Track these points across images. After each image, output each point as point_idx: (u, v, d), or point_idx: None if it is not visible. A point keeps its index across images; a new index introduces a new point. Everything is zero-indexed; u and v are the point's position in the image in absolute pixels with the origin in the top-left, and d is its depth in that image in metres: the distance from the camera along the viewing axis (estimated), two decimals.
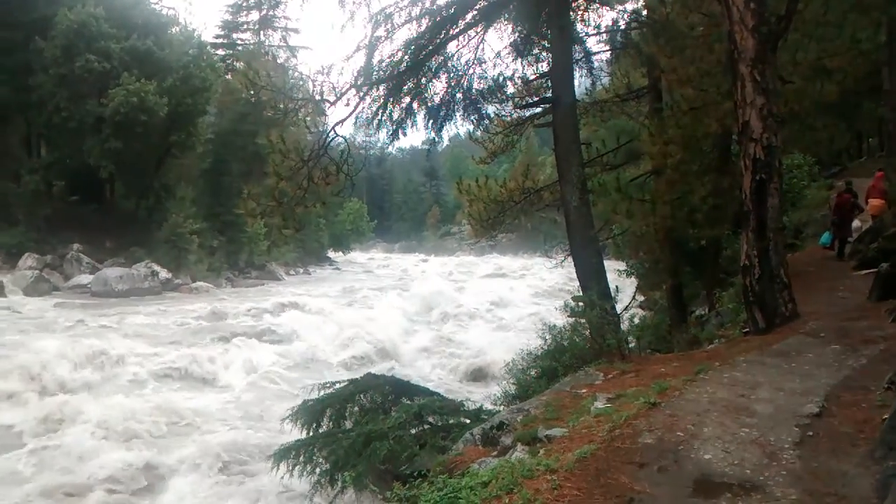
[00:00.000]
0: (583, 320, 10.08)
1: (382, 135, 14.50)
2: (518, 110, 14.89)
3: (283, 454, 9.38)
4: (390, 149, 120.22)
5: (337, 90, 12.12)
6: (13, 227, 38.85)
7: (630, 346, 9.90)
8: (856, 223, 15.39)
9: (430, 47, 13.20)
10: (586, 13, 14.08)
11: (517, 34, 13.93)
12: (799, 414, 5.33)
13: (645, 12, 14.42)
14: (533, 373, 10.65)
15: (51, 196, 41.69)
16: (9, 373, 16.14)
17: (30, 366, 16.52)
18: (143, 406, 14.81)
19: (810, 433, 4.99)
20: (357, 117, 13.20)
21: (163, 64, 42.23)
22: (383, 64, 12.97)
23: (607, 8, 14.41)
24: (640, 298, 18.19)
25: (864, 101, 21.63)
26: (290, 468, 9.25)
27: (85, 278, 36.74)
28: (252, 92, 40.70)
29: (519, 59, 14.19)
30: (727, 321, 11.66)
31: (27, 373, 16.26)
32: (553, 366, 9.91)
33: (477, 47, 13.89)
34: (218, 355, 19.89)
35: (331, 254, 74.39)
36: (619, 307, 12.00)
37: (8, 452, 12.45)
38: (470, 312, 30.47)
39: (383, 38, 12.91)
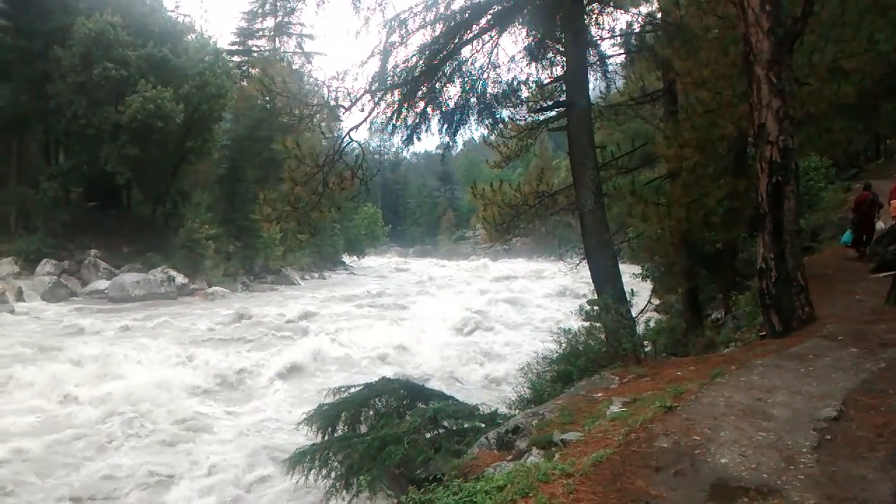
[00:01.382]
0: (598, 324, 10.05)
1: (397, 140, 14.54)
2: (532, 114, 14.88)
3: (299, 458, 9.41)
4: (405, 154, 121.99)
5: (352, 95, 12.15)
6: (32, 234, 39.37)
7: (645, 349, 9.85)
8: (880, 224, 15.22)
9: (445, 52, 13.22)
10: (600, 17, 14.05)
11: (531, 38, 13.93)
12: (816, 418, 5.28)
13: (659, 15, 14.39)
14: (548, 377, 10.62)
15: (69, 202, 42.23)
16: (97, 380, 17.15)
17: (99, 369, 17.97)
18: (197, 407, 15.97)
19: (828, 437, 4.95)
20: (372, 122, 13.25)
21: (179, 71, 42.68)
22: (398, 69, 13.00)
23: (622, 11, 14.35)
24: (656, 302, 18.14)
25: (882, 103, 21.41)
26: (306, 472, 9.29)
27: (102, 284, 37.12)
28: (267, 98, 41.26)
29: (533, 64, 14.19)
30: (743, 324, 11.58)
31: (99, 375, 17.55)
32: (568, 370, 9.88)
33: (491, 52, 13.89)
34: (262, 357, 20.85)
35: (346, 258, 74.58)
36: (634, 311, 11.94)
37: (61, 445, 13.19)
38: (488, 315, 30.62)
39: (398, 44, 12.95)
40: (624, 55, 15.86)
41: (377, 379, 11.40)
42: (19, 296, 32.14)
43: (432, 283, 50.29)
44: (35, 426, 14.14)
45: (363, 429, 10.03)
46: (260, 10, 76.10)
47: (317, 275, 58.49)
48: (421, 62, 13.04)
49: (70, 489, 11.37)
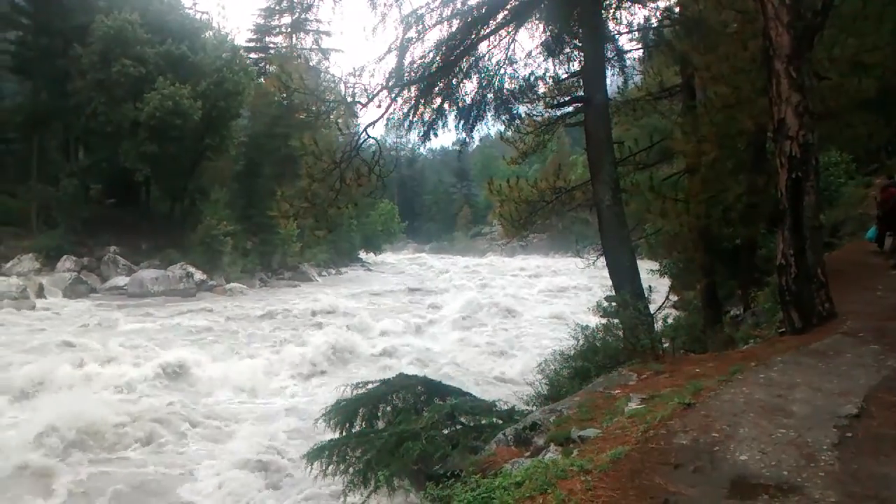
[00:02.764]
0: (616, 320, 10.01)
1: (413, 136, 14.56)
2: (549, 110, 14.83)
3: (317, 454, 9.44)
4: (421, 150, 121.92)
5: (368, 92, 12.18)
6: (52, 230, 39.72)
7: (664, 346, 9.79)
8: None
9: (461, 48, 13.20)
10: (618, 11, 13.96)
11: (548, 33, 13.88)
12: (837, 415, 5.24)
13: (677, 10, 14.26)
14: (565, 373, 10.60)
15: (88, 199, 42.59)
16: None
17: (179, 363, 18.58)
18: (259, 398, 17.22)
19: (849, 434, 4.91)
20: (388, 119, 13.26)
21: (197, 68, 42.91)
22: (414, 65, 13.01)
23: (639, 6, 14.26)
24: (674, 298, 18.03)
25: None
26: (324, 467, 9.32)
27: (121, 280, 37.43)
28: (284, 95, 41.35)
29: (550, 59, 14.15)
30: (763, 321, 11.50)
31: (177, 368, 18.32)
32: (586, 366, 9.85)
33: (508, 47, 13.87)
34: (307, 351, 21.23)
35: (362, 254, 74.73)
36: (652, 307, 11.88)
37: None
38: (504, 309, 30.77)
39: (414, 40, 12.95)
40: (642, 50, 15.79)
41: (394, 375, 11.43)
42: (40, 292, 32.44)
43: (450, 279, 50.38)
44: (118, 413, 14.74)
45: (381, 425, 10.05)
46: (277, 7, 76.36)
47: (334, 271, 58.71)
48: (438, 58, 13.04)
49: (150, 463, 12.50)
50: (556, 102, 14.33)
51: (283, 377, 19.04)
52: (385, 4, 12.79)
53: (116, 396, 15.89)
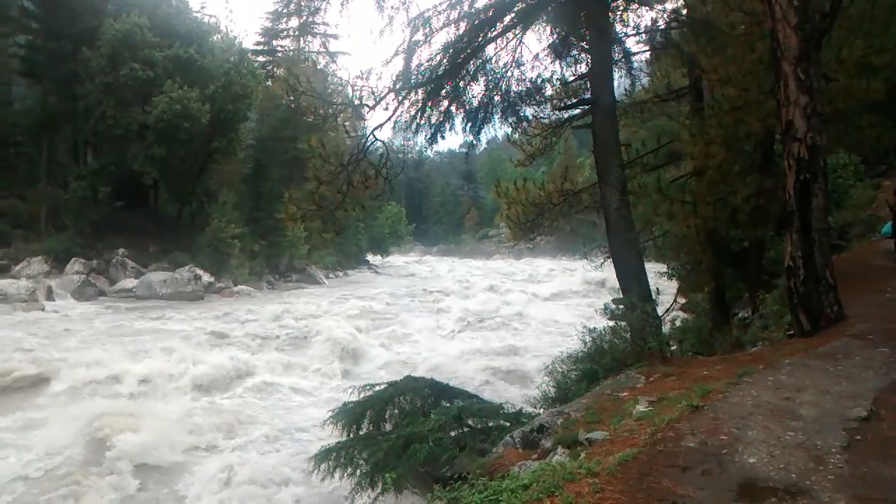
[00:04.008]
0: (623, 323, 10.00)
1: (421, 138, 14.59)
2: (557, 112, 14.84)
3: (325, 456, 9.47)
4: (428, 152, 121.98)
5: (376, 94, 12.19)
6: (61, 233, 39.83)
7: (672, 348, 9.78)
8: None
9: (469, 50, 13.22)
10: (625, 13, 13.98)
11: (555, 36, 13.91)
12: (846, 417, 5.22)
13: (685, 11, 14.25)
14: (573, 375, 10.58)
15: (97, 202, 42.76)
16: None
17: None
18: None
19: (858, 437, 4.89)
20: (396, 121, 13.29)
21: (205, 71, 42.97)
22: (422, 68, 13.03)
23: (647, 8, 14.26)
24: (682, 301, 17.98)
25: None
26: (331, 469, 9.34)
27: (130, 282, 37.46)
28: (292, 98, 41.43)
29: (557, 61, 14.18)
30: (771, 323, 11.44)
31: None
32: (593, 368, 9.83)
33: (515, 50, 13.90)
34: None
35: (369, 257, 74.75)
36: (660, 309, 11.85)
37: None
38: (510, 311, 30.76)
39: (421, 43, 12.98)
40: (649, 52, 15.74)
41: (402, 377, 11.44)
42: (49, 294, 32.55)
43: (458, 281, 50.31)
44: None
45: (388, 427, 10.07)
46: (284, 10, 76.49)
47: (341, 273, 58.64)
48: (445, 61, 13.06)
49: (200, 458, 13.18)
50: (563, 105, 14.33)
51: (319, 375, 19.64)
52: (392, 7, 12.84)
53: (172, 393, 16.75)
